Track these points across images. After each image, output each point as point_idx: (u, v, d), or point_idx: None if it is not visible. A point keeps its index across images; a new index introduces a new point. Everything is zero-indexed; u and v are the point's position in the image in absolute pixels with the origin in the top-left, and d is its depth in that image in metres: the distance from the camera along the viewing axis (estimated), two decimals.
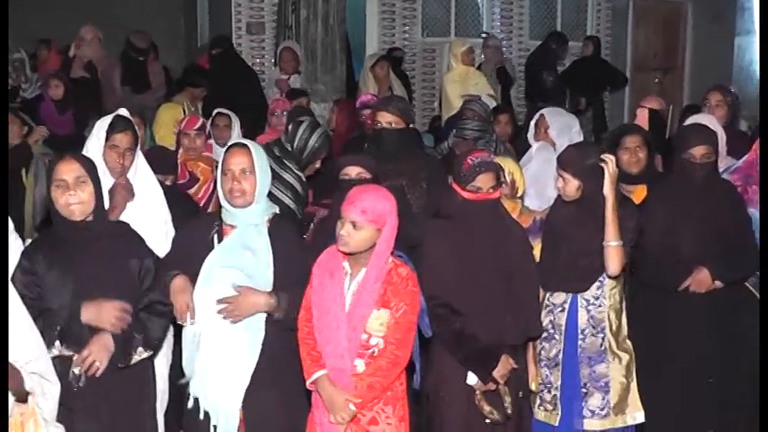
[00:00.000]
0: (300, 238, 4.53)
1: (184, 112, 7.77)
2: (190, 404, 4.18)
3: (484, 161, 4.45)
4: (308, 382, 3.97)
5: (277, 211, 4.35)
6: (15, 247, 4.00)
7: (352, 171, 4.81)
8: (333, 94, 9.18)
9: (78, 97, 8.79)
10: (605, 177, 4.53)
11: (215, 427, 4.15)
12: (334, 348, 3.91)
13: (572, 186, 4.66)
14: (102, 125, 4.75)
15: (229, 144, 4.34)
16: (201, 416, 4.13)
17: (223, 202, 4.23)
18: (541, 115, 6.67)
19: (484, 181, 4.42)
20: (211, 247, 4.20)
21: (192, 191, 6.24)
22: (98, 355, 3.80)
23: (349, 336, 3.91)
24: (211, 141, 7.08)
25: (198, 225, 4.38)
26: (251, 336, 4.13)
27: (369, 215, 3.87)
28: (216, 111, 7.28)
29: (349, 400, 3.89)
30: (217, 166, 6.30)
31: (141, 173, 4.84)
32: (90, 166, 3.96)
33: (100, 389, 3.86)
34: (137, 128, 4.87)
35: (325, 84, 9.28)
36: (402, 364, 3.98)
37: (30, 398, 3.30)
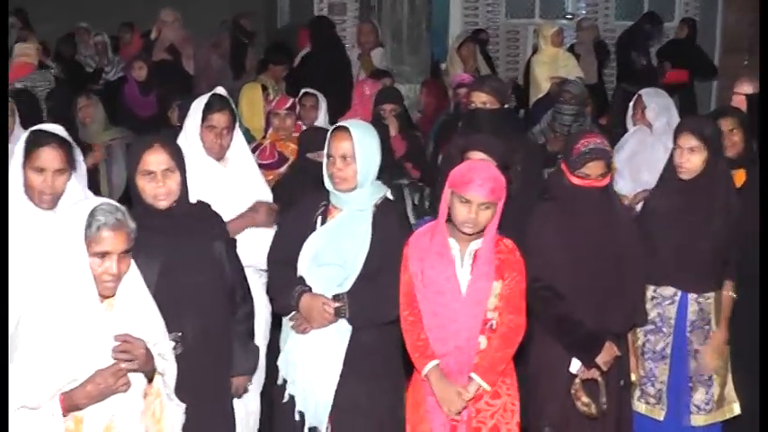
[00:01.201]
0: (406, 225, 4.38)
1: (264, 88, 7.63)
2: (285, 398, 4.14)
3: (595, 148, 4.27)
4: (422, 374, 3.87)
5: (388, 195, 4.23)
6: None
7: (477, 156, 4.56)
8: (418, 76, 9.00)
9: (161, 79, 8.75)
10: None
11: (301, 413, 4.10)
12: (458, 328, 3.83)
13: (698, 159, 4.49)
14: (198, 105, 4.66)
15: (333, 127, 4.20)
16: (286, 398, 4.13)
17: (328, 186, 4.12)
18: (638, 96, 6.51)
19: (593, 168, 4.26)
20: (314, 228, 4.12)
21: (280, 170, 6.13)
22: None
23: (471, 312, 3.83)
24: (299, 122, 6.92)
25: (305, 205, 4.28)
26: (340, 326, 4.06)
27: (496, 193, 3.77)
28: (303, 90, 7.15)
29: (461, 392, 3.81)
30: None
31: (239, 153, 4.74)
32: (177, 154, 3.84)
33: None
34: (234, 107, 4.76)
35: (411, 65, 9.10)
36: (521, 334, 3.91)
37: (156, 377, 3.31)
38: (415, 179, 6.13)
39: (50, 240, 3.17)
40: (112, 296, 3.16)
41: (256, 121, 7.02)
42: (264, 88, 7.59)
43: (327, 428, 4.07)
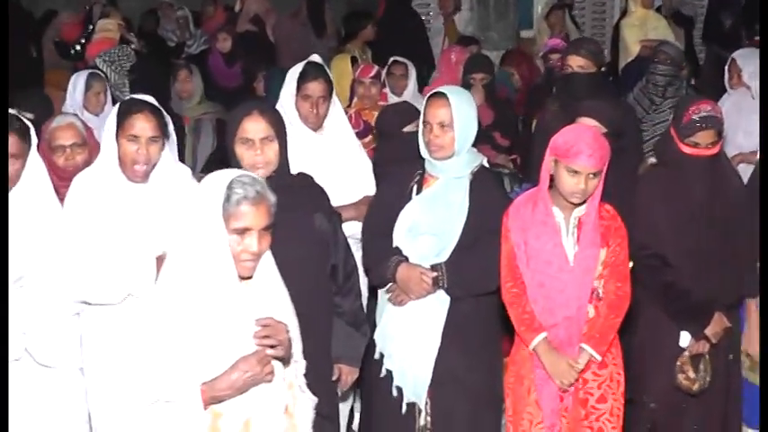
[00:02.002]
0: (503, 194, 4.28)
1: (354, 60, 7.53)
2: (382, 373, 4.04)
3: (707, 116, 4.10)
4: (530, 347, 3.75)
5: (484, 163, 4.12)
6: None
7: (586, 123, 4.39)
8: (504, 42, 8.81)
9: (246, 50, 8.69)
10: None
11: (398, 388, 4.01)
12: (566, 298, 3.70)
13: None
14: (293, 74, 4.58)
15: (430, 93, 4.07)
16: (383, 374, 4.04)
17: (423, 153, 4.02)
18: (732, 60, 6.34)
19: (703, 137, 4.09)
20: (409, 198, 4.01)
21: (365, 140, 6.02)
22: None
23: (580, 282, 3.70)
24: (386, 90, 6.82)
25: (400, 174, 4.17)
26: (438, 297, 3.96)
27: (603, 160, 3.64)
28: (392, 59, 7.04)
29: (572, 364, 3.69)
30: None
31: (337, 123, 4.65)
32: (277, 123, 3.70)
33: None
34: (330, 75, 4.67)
35: (497, 31, 8.90)
36: (628, 302, 3.76)
37: (292, 364, 3.02)
38: (514, 170, 5.95)
39: (182, 217, 2.89)
40: (250, 277, 2.87)
41: (345, 94, 6.92)
42: (354, 60, 7.49)
43: (426, 404, 3.98)
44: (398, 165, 4.27)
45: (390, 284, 4.00)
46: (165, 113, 3.88)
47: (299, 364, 3.03)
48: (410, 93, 6.94)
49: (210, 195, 2.78)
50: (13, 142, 3.72)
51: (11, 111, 3.89)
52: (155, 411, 2.76)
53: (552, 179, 3.70)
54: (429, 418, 3.99)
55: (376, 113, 6.22)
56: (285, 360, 2.92)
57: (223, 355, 2.79)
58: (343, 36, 9.56)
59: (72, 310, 3.86)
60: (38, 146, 3.92)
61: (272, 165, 3.65)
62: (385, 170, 4.61)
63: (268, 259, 2.92)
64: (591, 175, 3.60)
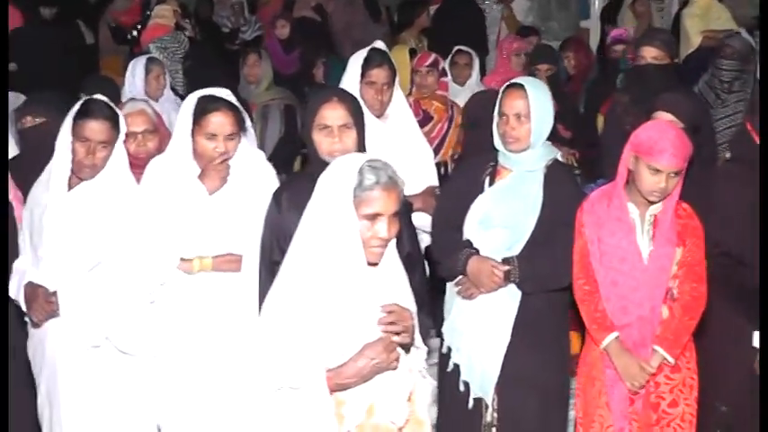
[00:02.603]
0: (578, 188, 4.19)
1: (413, 51, 7.47)
2: (450, 366, 3.97)
3: None
4: (601, 346, 3.67)
5: (558, 157, 4.05)
6: None
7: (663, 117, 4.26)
8: (565, 33, 8.67)
9: (304, 36, 8.64)
10: None
11: (466, 383, 3.94)
12: (640, 297, 3.63)
13: None
14: (357, 60, 4.54)
15: (507, 84, 4.00)
16: (450, 367, 3.98)
17: (498, 145, 3.95)
18: None
19: None
20: (482, 190, 3.95)
21: (425, 129, 5.94)
22: None
23: (655, 281, 3.62)
24: (446, 79, 6.73)
25: (472, 165, 4.12)
26: (509, 291, 3.89)
27: (686, 159, 3.56)
28: (456, 48, 7.00)
29: (644, 366, 3.61)
30: (452, 106, 6.17)
31: (399, 110, 4.61)
32: (356, 111, 3.64)
33: None
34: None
35: (559, 21, 8.76)
36: (704, 303, 3.70)
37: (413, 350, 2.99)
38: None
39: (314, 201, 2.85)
40: (377, 263, 2.83)
41: (404, 85, 6.85)
42: (413, 52, 7.43)
43: (494, 400, 3.91)
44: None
45: (460, 277, 3.93)
46: (241, 108, 3.83)
47: (420, 350, 2.99)
48: (473, 83, 6.90)
49: (341, 180, 2.75)
50: (104, 129, 3.80)
51: (99, 97, 3.92)
52: (280, 397, 2.74)
53: (629, 175, 3.61)
54: (496, 415, 3.93)
55: (435, 102, 6.19)
56: (408, 347, 2.89)
57: (347, 341, 2.76)
58: (399, 24, 9.51)
59: (148, 297, 3.87)
60: None
61: (350, 152, 3.58)
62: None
63: (392, 246, 2.87)
64: (672, 174, 3.52)
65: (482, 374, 3.89)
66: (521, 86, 3.90)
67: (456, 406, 3.95)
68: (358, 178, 2.73)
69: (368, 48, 4.60)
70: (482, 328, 3.89)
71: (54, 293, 3.77)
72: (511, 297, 3.87)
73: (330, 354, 2.75)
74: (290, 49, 8.61)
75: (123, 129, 3.86)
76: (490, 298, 3.87)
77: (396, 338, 2.80)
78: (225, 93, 3.84)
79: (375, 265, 2.82)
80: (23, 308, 3.83)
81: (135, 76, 6.37)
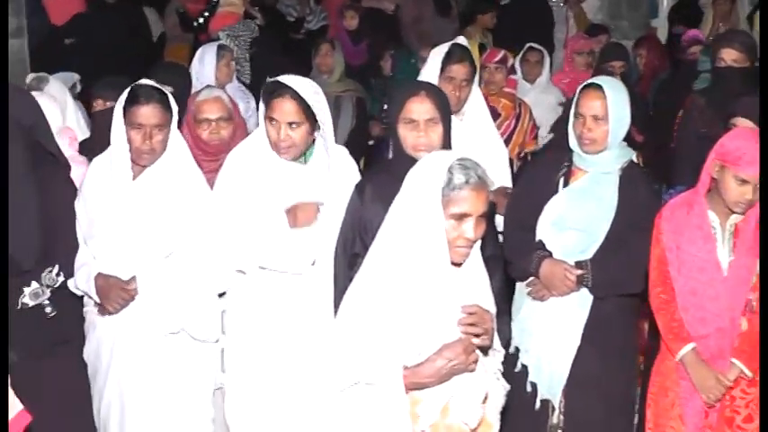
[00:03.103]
0: (654, 192, 4.15)
1: (483, 47, 7.40)
2: (517, 367, 3.91)
3: None
4: (676, 357, 3.61)
5: (633, 159, 3.97)
6: None
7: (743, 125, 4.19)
8: (636, 32, 8.53)
9: (373, 28, 8.60)
10: None
11: (533, 384, 3.90)
12: (719, 308, 3.55)
13: None
14: (437, 55, 4.48)
15: (584, 84, 3.93)
16: (518, 368, 3.90)
17: (573, 146, 3.89)
18: None
19: None
20: (556, 190, 3.89)
21: None
22: None
23: (735, 292, 3.53)
24: (515, 77, 6.67)
25: (546, 164, 4.07)
26: (581, 295, 3.83)
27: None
28: (528, 45, 6.94)
29: (721, 378, 3.53)
30: (520, 104, 6.10)
31: (476, 107, 4.56)
32: (443, 105, 3.62)
33: None
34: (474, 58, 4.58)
35: (629, 20, 8.61)
36: None
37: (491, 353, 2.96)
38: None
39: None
40: (461, 264, 2.79)
41: None
42: (483, 47, 7.36)
43: (560, 402, 3.86)
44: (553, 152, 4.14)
45: (531, 279, 3.88)
46: (306, 97, 3.73)
47: (498, 353, 2.95)
48: (543, 81, 6.83)
49: (430, 178, 2.70)
50: (156, 113, 3.75)
51: (148, 82, 3.87)
52: (355, 393, 2.72)
53: (711, 182, 3.54)
54: (562, 417, 3.88)
55: (503, 99, 6.13)
56: (486, 349, 2.85)
57: (426, 340, 2.73)
58: (462, 19, 9.45)
59: (219, 288, 3.89)
60: (179, 119, 3.91)
61: (435, 148, 3.55)
62: None
63: (476, 246, 2.83)
64: (758, 185, 3.43)
65: (550, 376, 3.85)
66: (599, 87, 3.83)
67: (522, 406, 3.88)
68: (447, 177, 2.68)
69: (450, 43, 4.56)
70: (552, 330, 3.84)
71: (129, 281, 3.76)
72: (582, 300, 3.82)
73: (408, 352, 2.72)
74: (359, 41, 8.57)
75: (175, 109, 3.82)
76: (561, 301, 3.83)
77: (475, 340, 2.76)
78: (293, 80, 3.76)
79: (458, 265, 2.78)
80: (96, 300, 3.79)
81: (204, 64, 6.25)
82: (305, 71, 6.62)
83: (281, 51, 8.29)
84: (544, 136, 6.33)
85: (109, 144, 3.91)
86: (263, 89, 3.83)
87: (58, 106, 4.62)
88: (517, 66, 6.80)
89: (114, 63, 7.91)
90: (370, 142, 7.21)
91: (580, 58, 7.39)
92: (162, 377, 3.83)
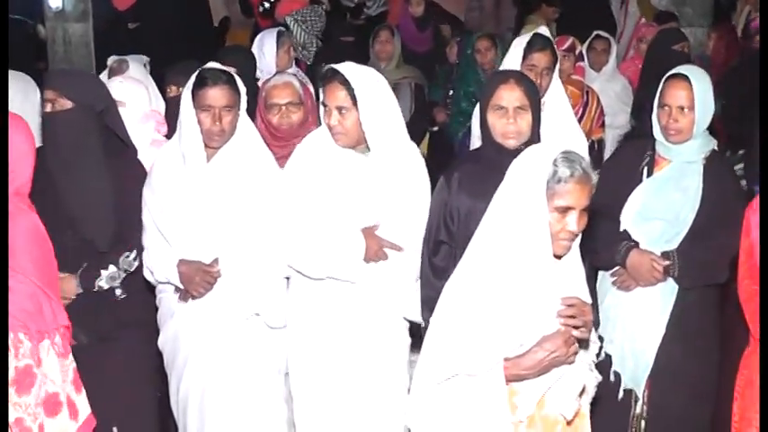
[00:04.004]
0: (738, 182, 4.12)
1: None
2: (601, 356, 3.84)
3: None
4: None
5: (715, 148, 3.96)
6: None
7: None
8: (701, 19, 8.42)
9: (438, 15, 8.60)
10: None
11: (616, 373, 3.90)
12: None
13: None
14: (519, 43, 4.53)
15: (669, 74, 3.90)
16: (601, 357, 3.74)
17: (657, 135, 3.88)
18: None
19: None
20: (640, 180, 3.89)
21: None
22: None
23: None
24: (583, 64, 6.65)
25: (629, 154, 4.06)
26: (667, 285, 3.84)
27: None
28: (594, 33, 6.91)
29: None
30: (588, 91, 6.07)
31: (556, 96, 4.57)
32: (532, 93, 3.64)
33: None
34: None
35: (693, 6, 8.50)
36: None
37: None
38: None
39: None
40: (562, 256, 2.78)
41: None
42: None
43: (644, 392, 3.87)
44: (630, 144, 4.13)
45: (617, 268, 3.88)
46: (354, 84, 3.67)
47: (594, 344, 2.96)
48: (609, 69, 6.79)
49: (534, 171, 2.70)
50: (224, 94, 3.77)
51: (215, 65, 3.90)
52: (455, 384, 2.72)
53: None
54: (645, 408, 3.89)
55: (570, 87, 6.09)
56: (586, 342, 2.85)
57: (526, 331, 2.73)
58: (525, 7, 9.40)
59: (285, 272, 3.90)
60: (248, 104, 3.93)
61: (524, 136, 3.58)
62: None
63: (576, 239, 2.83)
64: None
65: (634, 366, 3.86)
66: (684, 77, 3.81)
67: (605, 395, 3.86)
68: (552, 169, 2.67)
69: (531, 32, 4.60)
70: (637, 320, 3.85)
71: (211, 264, 3.79)
72: (668, 291, 3.82)
73: (509, 343, 2.73)
74: (424, 27, 8.55)
75: (243, 90, 3.83)
76: (647, 291, 3.83)
77: (575, 333, 2.76)
78: (345, 67, 3.73)
79: (559, 257, 2.78)
80: (179, 286, 3.82)
81: (264, 51, 6.15)
82: (362, 58, 6.66)
83: (341, 37, 8.27)
84: (609, 124, 6.32)
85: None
86: (319, 75, 3.85)
87: (145, 89, 4.66)
88: (584, 53, 6.77)
89: (177, 47, 7.98)
90: (435, 128, 7.23)
91: (642, 45, 7.31)
92: (240, 363, 3.85)
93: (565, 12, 8.83)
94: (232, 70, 3.92)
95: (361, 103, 3.64)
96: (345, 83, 3.66)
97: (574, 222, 2.70)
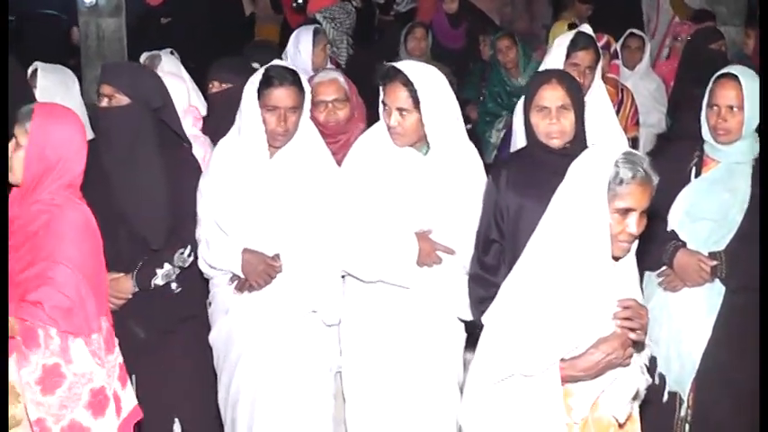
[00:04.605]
0: None
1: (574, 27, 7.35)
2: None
3: None
4: None
5: None
6: None
7: None
8: (735, 17, 8.37)
9: (472, 12, 8.59)
10: None
11: (661, 375, 3.87)
12: None
13: None
14: (562, 41, 4.52)
15: (719, 73, 3.87)
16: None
17: (706, 136, 3.85)
18: None
19: None
20: (688, 180, 3.86)
21: None
22: None
23: None
24: (618, 62, 6.64)
25: (677, 153, 4.01)
26: (714, 286, 3.80)
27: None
28: (629, 31, 6.91)
29: None
30: (622, 89, 6.05)
31: (598, 95, 4.54)
32: (575, 92, 3.62)
33: None
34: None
35: (727, 5, 8.45)
36: None
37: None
38: None
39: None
40: (620, 258, 2.78)
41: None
42: (573, 27, 7.26)
43: (689, 395, 3.84)
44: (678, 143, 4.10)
45: (663, 268, 3.85)
46: (417, 85, 3.64)
47: (648, 348, 2.95)
48: (643, 67, 6.77)
49: (596, 172, 2.69)
50: (291, 94, 3.75)
51: (279, 63, 3.90)
52: (511, 385, 2.72)
53: None
54: (689, 411, 3.85)
55: (606, 86, 6.06)
56: (642, 345, 2.84)
57: (582, 333, 2.72)
58: (558, 4, 9.38)
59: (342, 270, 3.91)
60: None
61: (567, 135, 3.57)
62: None
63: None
64: None
65: (680, 369, 3.83)
66: (734, 77, 3.78)
67: (649, 396, 3.84)
68: (614, 171, 2.66)
69: (574, 30, 4.59)
70: (683, 321, 3.82)
71: (274, 258, 3.79)
72: (715, 292, 3.79)
73: (565, 344, 2.72)
74: (458, 24, 8.53)
75: (308, 90, 3.83)
76: (694, 292, 3.80)
77: (632, 335, 2.75)
78: (406, 65, 3.73)
79: (617, 259, 2.77)
80: (239, 274, 3.80)
81: (300, 49, 6.09)
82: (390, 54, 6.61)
83: (370, 34, 8.28)
84: (642, 122, 6.29)
85: (227, 125, 3.93)
86: (379, 74, 3.82)
87: (185, 85, 4.66)
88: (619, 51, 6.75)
89: (209, 42, 8.00)
90: (469, 126, 7.20)
91: (677, 43, 7.28)
92: (295, 360, 3.85)
93: (596, 9, 8.80)
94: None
95: (424, 104, 3.64)
96: (408, 83, 3.64)
97: (634, 224, 2.70)
